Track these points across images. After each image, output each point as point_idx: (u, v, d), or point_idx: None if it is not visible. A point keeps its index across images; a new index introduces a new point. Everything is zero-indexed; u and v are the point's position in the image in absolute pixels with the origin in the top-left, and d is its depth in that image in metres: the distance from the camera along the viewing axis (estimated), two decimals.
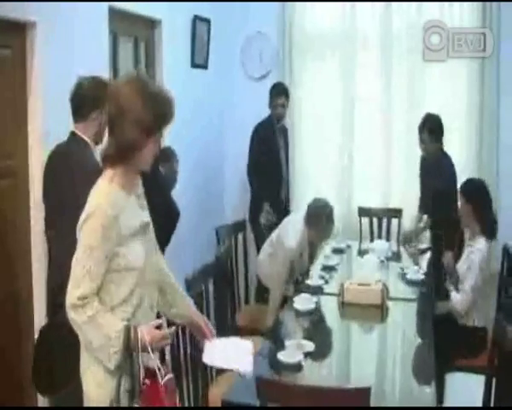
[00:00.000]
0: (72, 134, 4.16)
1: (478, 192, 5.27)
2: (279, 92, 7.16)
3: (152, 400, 2.82)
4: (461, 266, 5.24)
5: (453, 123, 7.47)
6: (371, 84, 7.72)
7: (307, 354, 3.93)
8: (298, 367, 3.81)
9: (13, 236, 4.40)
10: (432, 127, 6.26)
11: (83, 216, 2.86)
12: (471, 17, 7.39)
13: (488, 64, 7.27)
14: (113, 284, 2.89)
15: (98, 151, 3.89)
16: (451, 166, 6.22)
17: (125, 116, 2.83)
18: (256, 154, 7.07)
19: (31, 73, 4.39)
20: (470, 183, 5.46)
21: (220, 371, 4.68)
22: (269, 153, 7.12)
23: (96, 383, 2.93)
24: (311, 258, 6.10)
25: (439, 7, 7.44)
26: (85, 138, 4.13)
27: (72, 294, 2.80)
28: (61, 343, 4.01)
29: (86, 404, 2.99)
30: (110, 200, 2.85)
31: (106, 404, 2.86)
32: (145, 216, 3.05)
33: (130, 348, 2.80)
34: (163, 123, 2.93)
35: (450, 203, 5.63)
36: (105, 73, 5.11)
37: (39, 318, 4.49)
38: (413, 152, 6.91)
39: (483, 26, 7.25)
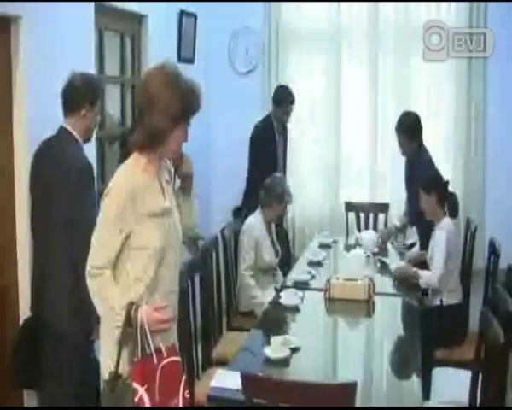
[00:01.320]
0: (62, 129, 4.19)
1: (435, 183, 5.47)
2: (291, 100, 7.07)
3: (143, 378, 2.89)
4: (429, 249, 5.40)
5: (440, 119, 7.51)
6: (358, 78, 7.72)
7: (294, 350, 3.93)
8: (284, 363, 3.80)
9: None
10: (408, 127, 6.20)
11: (104, 193, 3.06)
12: (458, 14, 7.39)
13: (475, 60, 7.28)
14: (129, 262, 3.06)
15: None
16: (430, 162, 6.18)
17: (154, 104, 2.98)
18: (256, 153, 7.03)
19: (15, 68, 4.36)
20: (427, 178, 5.61)
21: (206, 367, 4.70)
22: (267, 152, 7.03)
23: (106, 352, 3.11)
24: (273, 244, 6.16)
25: (427, 4, 7.45)
26: (74, 134, 4.16)
27: (89, 262, 3.05)
28: (45, 337, 4.08)
29: (101, 374, 3.15)
30: (129, 180, 3.03)
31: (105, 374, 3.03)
32: (166, 201, 3.15)
33: (131, 324, 2.93)
34: (190, 112, 3.08)
35: None
36: (91, 69, 5.09)
37: (25, 313, 4.48)
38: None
39: (470, 25, 7.25)
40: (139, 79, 6.13)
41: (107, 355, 3.08)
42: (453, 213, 5.36)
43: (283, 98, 7.06)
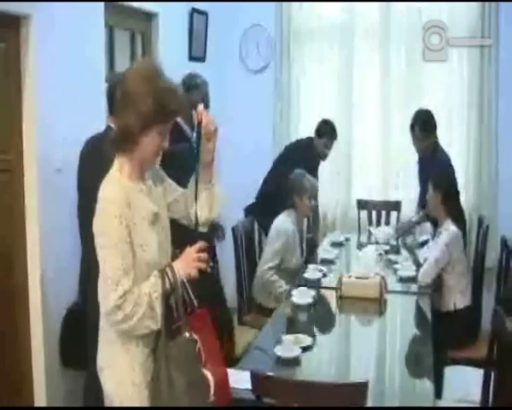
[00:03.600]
0: (107, 127, 4.25)
1: (445, 183, 5.44)
2: (333, 134, 7.00)
3: (201, 326, 2.88)
4: (431, 246, 5.47)
5: (452, 116, 7.47)
6: (370, 75, 7.69)
7: (305, 349, 3.90)
8: (295, 362, 3.77)
9: (8, 231, 4.39)
10: (423, 124, 6.23)
11: (96, 214, 2.82)
12: (469, 13, 7.34)
13: (487, 54, 7.22)
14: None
15: None
16: (446, 160, 6.18)
17: (128, 102, 2.81)
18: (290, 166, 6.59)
19: (25, 67, 4.38)
20: (440, 173, 5.64)
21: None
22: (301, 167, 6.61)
23: (115, 380, 2.90)
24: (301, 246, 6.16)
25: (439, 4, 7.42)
26: None
27: (111, 297, 2.72)
28: (88, 321, 4.25)
29: (106, 402, 2.97)
30: (118, 190, 2.82)
31: (126, 401, 2.85)
32: (154, 207, 2.96)
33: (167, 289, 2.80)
34: (165, 116, 2.86)
35: None
36: (101, 67, 5.09)
37: (34, 312, 4.50)
38: (412, 144, 6.88)
39: (482, 24, 7.19)
40: None
41: (116, 383, 2.89)
42: (457, 226, 5.30)
43: (326, 131, 6.98)
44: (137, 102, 2.78)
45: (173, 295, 2.82)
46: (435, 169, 5.91)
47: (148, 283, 2.79)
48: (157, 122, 2.83)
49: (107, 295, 2.75)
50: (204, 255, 2.92)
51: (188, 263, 2.89)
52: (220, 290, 5.68)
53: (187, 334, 2.80)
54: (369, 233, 6.72)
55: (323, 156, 7.10)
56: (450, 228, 5.22)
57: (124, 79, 2.90)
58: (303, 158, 6.64)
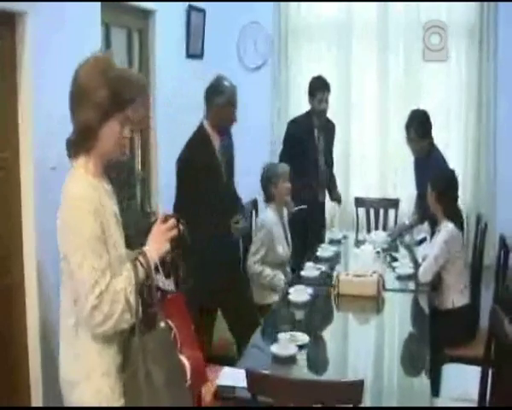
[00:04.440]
0: None
1: (443, 182, 5.40)
2: (326, 88, 6.84)
3: (176, 311, 2.90)
4: (429, 247, 5.45)
5: (450, 115, 7.46)
6: (368, 74, 7.67)
7: (301, 347, 3.90)
8: (292, 360, 3.77)
9: (4, 229, 4.37)
10: (418, 125, 6.15)
11: (64, 214, 2.71)
12: (468, 12, 7.33)
13: (486, 54, 7.21)
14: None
15: None
16: (442, 160, 6.15)
17: (82, 96, 2.74)
18: (289, 153, 6.83)
19: (21, 65, 4.35)
20: (436, 173, 5.62)
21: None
22: (304, 153, 6.78)
23: (92, 390, 2.77)
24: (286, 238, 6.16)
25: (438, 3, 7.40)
26: None
27: (88, 299, 2.62)
28: None
29: None
30: (88, 186, 2.73)
31: (106, 404, 2.77)
32: (116, 209, 2.90)
33: (141, 279, 2.73)
34: (120, 104, 2.78)
35: None
36: None
37: (31, 311, 4.48)
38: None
39: (480, 24, 7.19)
40: (146, 74, 6.13)
41: (94, 392, 2.76)
42: (456, 224, 5.30)
43: (318, 86, 6.84)
44: (92, 95, 2.71)
45: (148, 282, 2.76)
46: (432, 169, 5.87)
47: (122, 277, 2.70)
48: (114, 111, 2.76)
49: (83, 299, 2.64)
50: (171, 222, 2.86)
51: (158, 240, 2.82)
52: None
53: (162, 323, 2.75)
54: (365, 240, 6.69)
55: (323, 112, 6.90)
56: (448, 226, 5.22)
57: (76, 76, 2.81)
58: (299, 136, 6.78)
